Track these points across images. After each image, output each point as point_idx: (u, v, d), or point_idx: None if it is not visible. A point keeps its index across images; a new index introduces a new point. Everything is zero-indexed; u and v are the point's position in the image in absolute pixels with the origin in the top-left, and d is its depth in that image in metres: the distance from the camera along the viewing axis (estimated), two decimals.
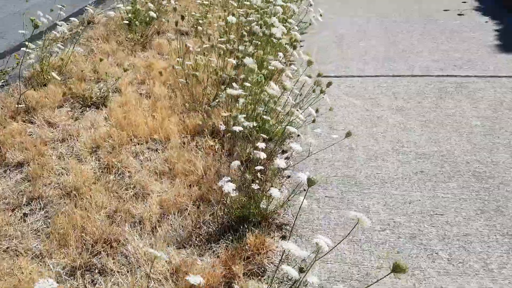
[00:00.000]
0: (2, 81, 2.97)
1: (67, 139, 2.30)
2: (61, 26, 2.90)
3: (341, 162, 2.10)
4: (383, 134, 2.32)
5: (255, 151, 1.53)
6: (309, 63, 2.16)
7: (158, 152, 2.17)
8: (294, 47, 2.21)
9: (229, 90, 1.87)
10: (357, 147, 2.22)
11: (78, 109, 2.62)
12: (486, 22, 3.94)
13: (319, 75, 2.09)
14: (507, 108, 2.49)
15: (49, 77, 2.87)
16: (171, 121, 2.38)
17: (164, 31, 4.17)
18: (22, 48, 2.79)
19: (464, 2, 4.64)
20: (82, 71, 3.01)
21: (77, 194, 1.89)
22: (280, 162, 1.55)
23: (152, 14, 3.40)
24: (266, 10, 3.04)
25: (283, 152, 2.18)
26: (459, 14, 4.20)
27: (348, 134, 1.78)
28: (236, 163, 1.60)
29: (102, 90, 2.73)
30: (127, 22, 3.82)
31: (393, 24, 4.09)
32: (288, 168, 2.02)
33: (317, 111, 2.14)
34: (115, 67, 3.27)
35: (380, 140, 2.26)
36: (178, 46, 3.00)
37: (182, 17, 2.90)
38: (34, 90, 2.76)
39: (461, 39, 3.58)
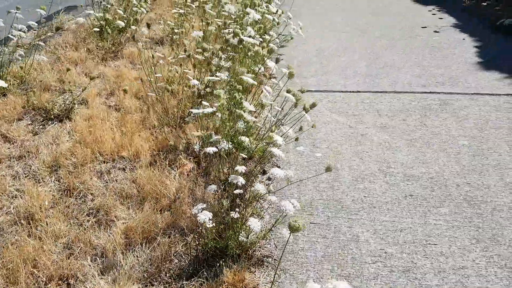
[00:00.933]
0: None
1: (24, 156, 2.06)
2: (20, 30, 2.66)
3: (326, 183, 1.96)
4: (368, 153, 2.20)
5: (233, 176, 1.36)
6: (291, 75, 2.01)
7: (126, 172, 1.97)
8: (277, 61, 2.07)
9: (201, 108, 1.71)
10: (342, 167, 2.08)
11: (39, 123, 2.39)
12: (464, 39, 3.94)
13: (302, 91, 1.95)
14: (493, 127, 2.42)
15: (9, 87, 2.63)
16: (141, 136, 2.19)
17: (138, 39, 3.97)
18: None
19: (441, 19, 4.67)
20: (40, 81, 2.77)
21: (31, 221, 1.66)
22: (260, 187, 1.39)
23: (120, 23, 3.21)
24: (243, 20, 2.90)
25: (264, 172, 2.02)
26: (435, 31, 4.20)
27: (328, 169, 1.56)
28: (212, 187, 1.43)
29: (66, 102, 2.50)
30: (98, 29, 3.61)
31: (374, 39, 4.04)
32: (270, 192, 1.86)
33: (300, 129, 2.00)
34: (83, 76, 3.05)
35: (365, 160, 2.14)
36: (151, 56, 2.82)
37: (148, 25, 2.71)
38: None
39: (442, 55, 3.55)
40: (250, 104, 1.73)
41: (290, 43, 4.00)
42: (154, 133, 2.26)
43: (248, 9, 2.43)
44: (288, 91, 2.04)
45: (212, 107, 1.84)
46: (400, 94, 2.88)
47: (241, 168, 1.37)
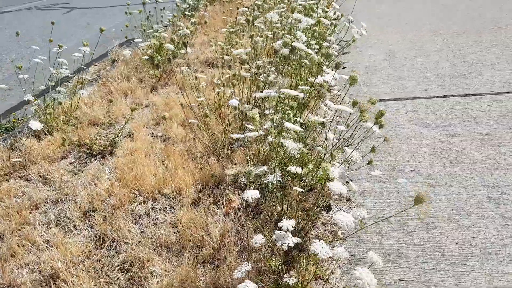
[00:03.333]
0: (7, 133, 2.64)
1: (61, 200, 1.85)
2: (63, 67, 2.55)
3: (417, 221, 1.48)
4: (470, 175, 1.68)
5: (278, 234, 0.97)
6: (353, 80, 1.57)
7: (166, 213, 1.66)
8: (337, 66, 1.66)
9: (245, 132, 1.35)
10: (437, 196, 1.59)
11: (82, 160, 2.20)
12: None
13: (372, 101, 1.50)
14: None
15: (55, 124, 2.51)
16: (185, 169, 1.88)
17: (188, 64, 3.79)
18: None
19: None
20: (76, 118, 2.62)
21: (55, 281, 1.40)
22: (319, 248, 0.97)
23: (169, 46, 3.01)
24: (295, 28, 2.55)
25: (329, 207, 1.59)
26: None
27: (419, 201, 1.10)
28: (258, 239, 1.05)
29: (110, 136, 2.31)
30: (148, 57, 3.48)
31: (454, 35, 3.45)
32: (335, 242, 1.43)
33: (372, 149, 1.56)
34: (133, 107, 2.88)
35: (467, 185, 1.62)
36: (196, 81, 2.57)
37: (185, 44, 2.44)
38: (38, 139, 2.40)
39: None
40: (304, 121, 1.34)
41: (354, 48, 3.55)
42: (201, 164, 1.95)
43: (296, 15, 2.06)
44: (354, 103, 1.63)
45: (258, 131, 1.48)
46: (499, 95, 2.30)
47: (287, 224, 0.97)
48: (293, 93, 1.27)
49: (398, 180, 1.71)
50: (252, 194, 0.98)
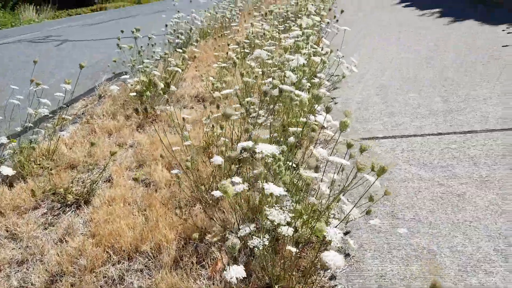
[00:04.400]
0: None
1: (27, 260, 1.69)
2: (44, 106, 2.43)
3: (422, 279, 1.35)
4: (473, 224, 1.57)
5: None
6: (343, 126, 1.45)
7: (144, 276, 1.51)
8: (328, 110, 1.56)
9: (224, 187, 1.22)
10: (441, 249, 1.46)
11: (55, 211, 2.05)
12: None
13: (362, 148, 1.40)
14: None
15: (30, 169, 2.37)
16: (167, 221, 1.74)
17: (180, 99, 3.71)
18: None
19: None
20: (54, 161, 2.48)
21: None
22: None
23: (157, 81, 2.93)
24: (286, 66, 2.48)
25: (326, 267, 1.46)
26: None
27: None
28: None
29: (88, 182, 2.17)
30: (136, 94, 3.39)
31: (445, 69, 3.42)
32: None
33: (371, 199, 1.45)
34: (115, 148, 2.76)
35: (472, 236, 1.50)
36: (184, 121, 2.46)
37: (167, 85, 2.35)
38: (10, 187, 2.24)
39: None
40: (296, 163, 1.23)
41: (345, 83, 3.50)
42: (185, 213, 1.82)
43: (287, 55, 1.99)
44: (349, 145, 1.53)
45: (244, 183, 1.36)
46: (495, 133, 2.22)
47: None
48: (270, 149, 1.16)
49: (399, 230, 1.58)
50: (236, 273, 0.85)
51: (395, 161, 2.12)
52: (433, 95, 2.89)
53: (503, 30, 4.40)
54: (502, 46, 3.70)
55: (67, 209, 2.03)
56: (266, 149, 1.26)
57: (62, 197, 2.09)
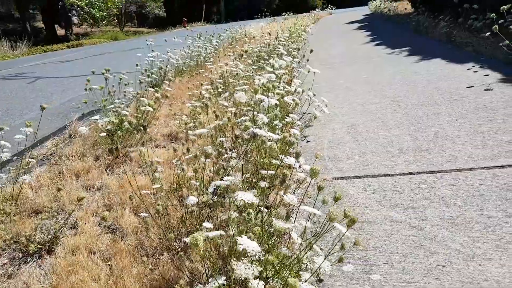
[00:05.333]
0: None
1: None
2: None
3: None
4: (446, 268, 1.55)
5: None
6: (314, 174, 1.44)
7: None
8: (297, 156, 1.56)
9: (195, 239, 1.18)
10: None
11: (17, 261, 1.93)
12: None
13: (337, 197, 1.38)
14: None
15: None
16: (133, 272, 1.66)
17: (152, 138, 3.66)
18: None
19: (487, 75, 4.14)
20: (17, 206, 2.38)
21: None
22: None
23: (128, 124, 2.89)
24: (259, 107, 2.50)
25: None
26: (486, 89, 3.64)
27: None
28: None
29: (52, 229, 2.06)
30: (106, 134, 3.33)
31: (413, 107, 3.52)
32: None
33: (342, 247, 1.43)
34: (83, 191, 2.66)
35: (445, 282, 1.48)
36: (157, 157, 2.41)
37: (145, 128, 2.32)
38: None
39: (500, 117, 2.95)
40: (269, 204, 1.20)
41: (317, 121, 3.54)
42: (151, 264, 1.74)
43: (259, 96, 2.01)
44: (319, 188, 1.51)
45: (218, 230, 1.32)
46: (464, 172, 2.27)
47: None
48: (248, 198, 1.14)
49: (372, 277, 1.55)
50: None
51: (367, 202, 2.12)
52: (402, 134, 2.96)
53: (469, 69, 4.60)
54: (468, 87, 3.85)
55: (29, 259, 1.91)
56: (245, 197, 1.23)
57: (24, 245, 1.97)
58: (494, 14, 4.44)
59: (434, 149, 2.61)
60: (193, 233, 1.74)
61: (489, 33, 4.34)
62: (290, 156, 1.84)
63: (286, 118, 2.95)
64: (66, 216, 2.23)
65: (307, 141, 3.16)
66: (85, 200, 2.48)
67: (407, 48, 7.00)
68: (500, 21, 4.49)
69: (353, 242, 1.64)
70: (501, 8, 4.22)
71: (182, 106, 4.58)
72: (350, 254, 1.70)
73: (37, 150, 3.75)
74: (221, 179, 1.76)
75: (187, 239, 1.21)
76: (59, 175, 2.93)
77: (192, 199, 1.47)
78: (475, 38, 5.72)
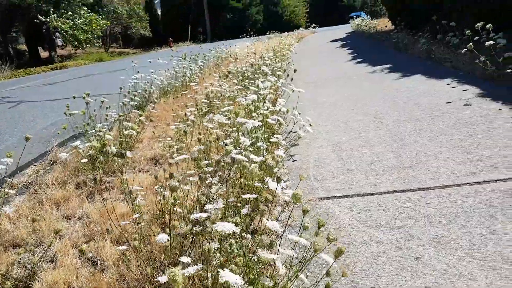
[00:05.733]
0: None
1: None
2: None
3: None
4: None
5: None
6: (296, 199, 1.42)
7: None
8: (278, 180, 1.53)
9: (173, 274, 1.14)
10: None
11: None
12: (500, 109, 3.42)
13: (330, 239, 1.35)
14: None
15: None
16: None
17: (135, 162, 3.60)
18: None
19: (465, 90, 4.22)
20: None
21: None
22: None
23: (110, 148, 2.84)
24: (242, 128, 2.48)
25: None
26: (465, 105, 3.71)
27: None
28: None
29: (28, 264, 1.99)
30: (88, 160, 3.27)
31: (395, 124, 3.55)
32: None
33: (328, 274, 1.40)
34: (63, 221, 2.59)
35: None
36: (139, 184, 2.36)
37: (122, 155, 2.25)
38: None
39: (481, 132, 2.99)
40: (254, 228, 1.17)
41: (303, 139, 3.54)
42: None
43: (240, 119, 2.00)
44: (305, 211, 1.50)
45: (197, 264, 1.28)
46: (447, 189, 2.27)
47: None
48: (229, 228, 1.11)
49: None
50: None
51: (353, 223, 2.10)
52: (386, 151, 2.97)
53: (448, 84, 4.69)
54: (447, 103, 3.92)
55: None
56: (225, 227, 1.20)
57: (0, 283, 1.89)
58: (469, 31, 4.56)
59: (417, 166, 2.63)
60: (178, 262, 1.69)
61: (466, 49, 4.44)
62: (275, 180, 1.82)
63: (271, 138, 2.95)
64: (45, 249, 2.16)
65: (293, 160, 3.16)
66: (65, 231, 2.41)
67: (388, 65, 7.13)
68: (475, 38, 4.61)
69: (339, 267, 1.62)
70: (476, 25, 4.34)
71: (166, 128, 4.55)
72: (336, 278, 1.67)
73: (17, 178, 3.66)
74: (203, 207, 1.72)
75: (162, 278, 1.17)
76: (39, 205, 2.85)
77: (163, 237, 1.42)
78: (453, 54, 5.86)
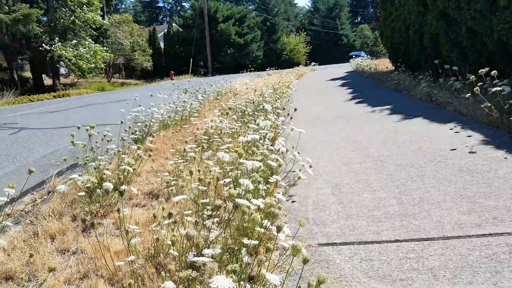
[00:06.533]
0: None
1: None
2: None
3: None
4: None
5: None
6: (296, 251, 1.38)
7: None
8: (278, 230, 1.50)
9: None
10: None
11: None
12: (506, 158, 3.41)
13: (320, 282, 1.31)
14: None
15: None
16: None
17: (132, 197, 3.55)
18: None
19: (469, 136, 4.23)
20: None
21: None
22: None
23: (107, 184, 2.80)
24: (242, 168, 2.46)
25: None
26: (470, 152, 3.71)
27: None
28: None
29: None
30: (85, 192, 3.22)
31: (397, 169, 3.53)
32: None
33: None
34: (57, 255, 2.52)
35: None
36: (136, 221, 2.31)
37: (121, 193, 2.22)
38: None
39: (485, 181, 2.97)
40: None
41: (302, 180, 3.50)
42: None
43: (242, 160, 1.98)
44: (305, 261, 1.46)
45: None
46: (452, 240, 2.22)
47: None
48: (225, 284, 1.07)
49: None
50: None
51: (354, 273, 2.04)
52: (388, 197, 2.93)
53: (451, 129, 4.72)
54: (451, 150, 3.92)
55: None
56: (222, 283, 1.16)
57: None
58: (473, 76, 4.64)
59: (420, 214, 2.58)
60: None
61: (469, 94, 4.50)
62: (274, 224, 1.77)
63: (270, 179, 2.91)
64: (38, 284, 2.07)
65: (292, 201, 3.11)
66: (58, 266, 2.33)
67: (388, 106, 7.21)
68: (479, 83, 4.68)
69: None
70: (480, 71, 4.41)
71: (164, 162, 4.52)
72: None
73: (14, 206, 3.60)
74: (201, 252, 1.67)
75: None
76: (34, 236, 2.78)
77: (169, 285, 1.37)
78: (456, 98, 5.93)
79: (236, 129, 4.71)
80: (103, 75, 31.25)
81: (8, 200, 2.40)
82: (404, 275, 1.96)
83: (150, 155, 3.56)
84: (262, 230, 1.95)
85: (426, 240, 2.26)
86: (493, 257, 2.01)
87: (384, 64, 16.30)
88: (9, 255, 2.52)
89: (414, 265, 2.04)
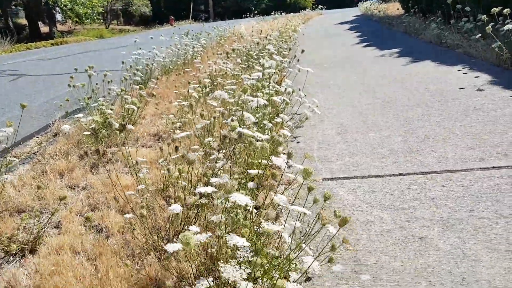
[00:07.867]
0: None
1: None
2: None
3: None
4: (436, 269, 1.54)
5: None
6: (307, 174, 1.40)
7: None
8: (289, 156, 1.52)
9: (186, 238, 1.13)
10: None
11: None
12: (511, 96, 3.38)
13: (337, 214, 1.33)
14: None
15: None
16: (119, 272, 1.60)
17: (138, 138, 3.58)
18: None
19: (477, 77, 4.17)
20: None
21: None
22: None
23: (113, 123, 2.81)
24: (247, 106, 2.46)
25: None
26: (478, 90, 3.67)
27: None
28: None
29: (34, 229, 1.99)
30: (91, 132, 3.24)
31: (404, 109, 3.52)
32: None
33: (333, 248, 1.39)
34: (67, 190, 2.59)
35: (435, 282, 1.47)
36: (142, 157, 2.35)
37: (123, 127, 2.21)
38: None
39: (491, 118, 2.97)
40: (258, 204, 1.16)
41: (308, 122, 3.51)
42: (138, 263, 1.68)
43: (246, 96, 1.96)
44: (310, 189, 1.49)
45: (205, 232, 1.28)
46: (454, 173, 2.26)
47: None
48: (244, 200, 1.10)
49: (362, 277, 1.53)
50: None
51: (357, 203, 2.10)
52: (393, 135, 2.95)
53: (459, 71, 4.64)
54: (459, 89, 3.88)
55: (11, 258, 1.85)
56: (239, 199, 1.19)
57: (6, 245, 1.90)
58: (485, 16, 4.48)
59: (424, 150, 2.61)
60: (181, 233, 1.70)
61: (480, 35, 4.37)
62: (279, 157, 1.80)
63: (276, 118, 2.92)
64: (49, 215, 2.16)
65: (298, 142, 3.14)
66: (69, 199, 2.41)
67: (397, 49, 7.05)
68: (491, 24, 4.54)
69: (341, 242, 1.62)
70: (492, 10, 4.26)
71: (169, 105, 4.52)
72: (339, 255, 1.68)
73: (20, 149, 3.65)
74: (208, 181, 1.71)
75: (170, 246, 1.16)
76: (43, 174, 2.85)
77: (176, 208, 1.41)
78: (466, 40, 5.78)
79: (241, 71, 4.65)
80: (101, 20, 30.35)
81: (7, 136, 2.41)
82: (406, 205, 2.02)
83: (153, 95, 3.54)
84: (267, 162, 1.98)
85: (429, 173, 2.30)
86: (495, 188, 2.05)
87: (394, 7, 15.69)
88: (19, 191, 2.59)
89: (416, 196, 2.09)
